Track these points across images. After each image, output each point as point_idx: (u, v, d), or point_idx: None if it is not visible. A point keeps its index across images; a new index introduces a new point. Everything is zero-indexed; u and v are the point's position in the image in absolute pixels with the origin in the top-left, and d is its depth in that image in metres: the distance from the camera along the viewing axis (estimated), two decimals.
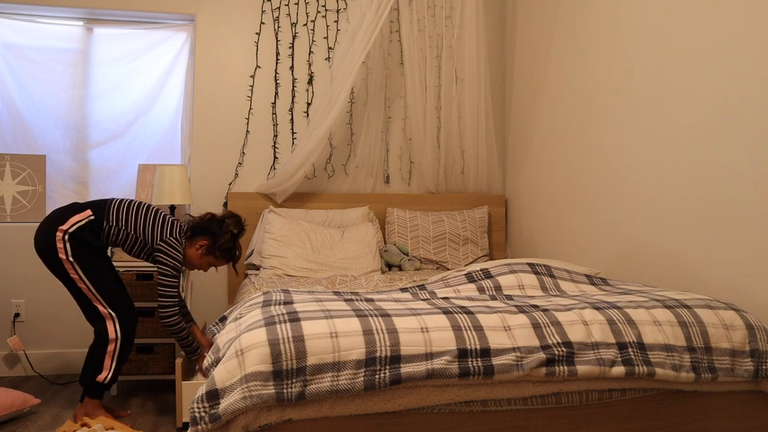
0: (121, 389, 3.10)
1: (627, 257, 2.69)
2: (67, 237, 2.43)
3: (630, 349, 1.70)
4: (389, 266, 3.37)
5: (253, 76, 3.58)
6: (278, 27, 3.60)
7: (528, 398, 1.65)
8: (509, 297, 2.00)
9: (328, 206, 3.57)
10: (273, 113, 3.61)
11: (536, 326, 1.69)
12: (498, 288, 2.07)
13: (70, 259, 2.44)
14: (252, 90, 3.58)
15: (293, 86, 3.62)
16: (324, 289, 2.29)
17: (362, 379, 1.50)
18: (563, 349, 1.64)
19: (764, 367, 1.81)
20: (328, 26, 3.65)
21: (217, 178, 3.56)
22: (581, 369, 1.63)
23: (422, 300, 1.90)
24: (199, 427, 1.45)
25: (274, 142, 3.61)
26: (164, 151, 3.62)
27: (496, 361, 1.58)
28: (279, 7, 3.59)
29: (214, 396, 1.47)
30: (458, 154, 3.74)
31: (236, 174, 3.57)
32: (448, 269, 3.38)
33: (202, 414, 1.46)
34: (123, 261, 3.05)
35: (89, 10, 3.46)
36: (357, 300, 1.83)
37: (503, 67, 3.91)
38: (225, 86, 3.56)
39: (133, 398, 2.98)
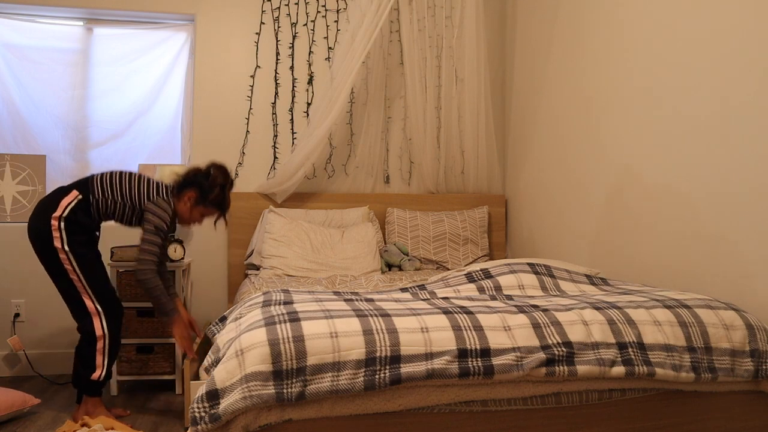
0: (121, 389, 3.10)
1: (627, 257, 2.68)
2: (62, 224, 2.43)
3: (630, 349, 1.70)
4: (389, 266, 3.37)
5: (253, 76, 3.58)
6: (278, 27, 3.60)
7: (528, 398, 1.65)
8: (509, 297, 2.00)
9: (328, 206, 3.57)
10: (273, 113, 3.61)
11: (536, 326, 1.69)
12: (498, 288, 2.07)
13: (65, 247, 2.44)
14: (252, 90, 3.58)
15: (293, 86, 3.63)
16: (324, 289, 2.29)
17: (362, 379, 1.50)
18: (563, 349, 1.64)
19: (764, 367, 1.81)
20: (328, 26, 3.65)
21: None
22: (581, 369, 1.63)
23: (422, 300, 1.90)
24: (199, 427, 1.45)
25: (274, 142, 3.61)
26: (164, 151, 3.62)
27: (496, 361, 1.58)
28: (279, 7, 3.59)
29: (214, 396, 1.47)
30: (458, 154, 3.74)
31: (236, 174, 3.57)
32: (448, 269, 3.38)
33: (202, 414, 1.46)
34: (123, 261, 3.05)
35: (89, 10, 3.46)
36: (357, 300, 1.83)
37: (503, 67, 3.91)
38: (225, 86, 3.56)
39: (133, 398, 2.98)
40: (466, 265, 3.27)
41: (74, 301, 2.52)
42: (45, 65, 3.50)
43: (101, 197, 2.53)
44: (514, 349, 1.61)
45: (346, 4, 3.64)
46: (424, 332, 1.59)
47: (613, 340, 1.70)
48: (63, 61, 3.53)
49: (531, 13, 3.57)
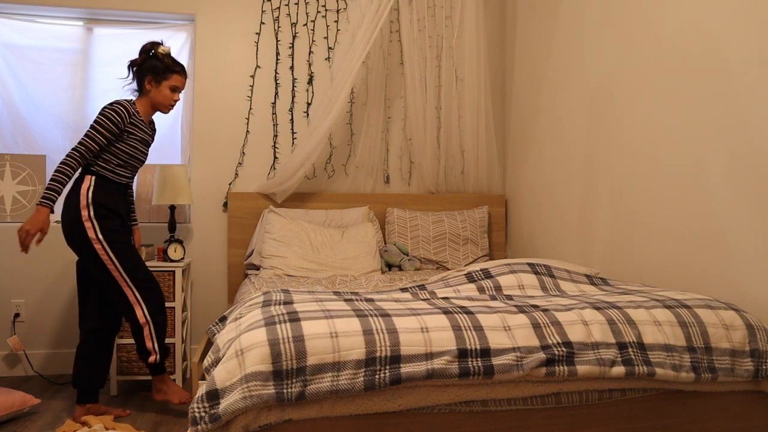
0: (121, 389, 3.10)
1: (627, 257, 2.69)
2: (91, 212, 2.49)
3: (630, 349, 1.70)
4: (389, 266, 3.37)
5: (253, 76, 3.58)
6: (278, 27, 3.60)
7: (528, 398, 1.64)
8: (509, 297, 2.00)
9: (328, 206, 3.58)
10: (273, 113, 3.61)
11: (536, 326, 1.69)
12: (498, 288, 2.07)
13: (99, 236, 2.49)
14: (252, 90, 3.58)
15: (293, 86, 3.63)
16: (324, 289, 2.29)
17: (362, 379, 1.50)
18: (563, 349, 1.64)
19: (764, 367, 1.81)
20: (328, 26, 3.65)
21: (217, 178, 3.56)
22: (581, 369, 1.63)
23: (422, 300, 1.90)
24: (199, 427, 1.45)
25: (274, 142, 3.61)
26: (164, 151, 3.62)
27: (496, 361, 1.58)
28: (279, 7, 3.59)
29: (214, 396, 1.47)
30: (458, 154, 3.74)
31: (236, 174, 3.57)
32: (448, 269, 3.38)
33: (202, 414, 1.46)
34: None
35: (89, 10, 3.46)
36: (357, 300, 1.83)
37: (503, 67, 3.91)
38: (225, 86, 3.56)
39: (133, 398, 2.98)
40: (466, 265, 3.27)
41: (116, 292, 2.57)
42: (45, 65, 3.50)
43: (98, 158, 2.57)
44: (514, 349, 1.61)
45: (346, 4, 3.64)
46: (424, 332, 1.59)
47: (613, 340, 1.70)
48: (63, 61, 3.53)
49: (531, 13, 3.57)
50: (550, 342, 1.65)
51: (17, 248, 3.33)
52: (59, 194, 2.45)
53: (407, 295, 2.01)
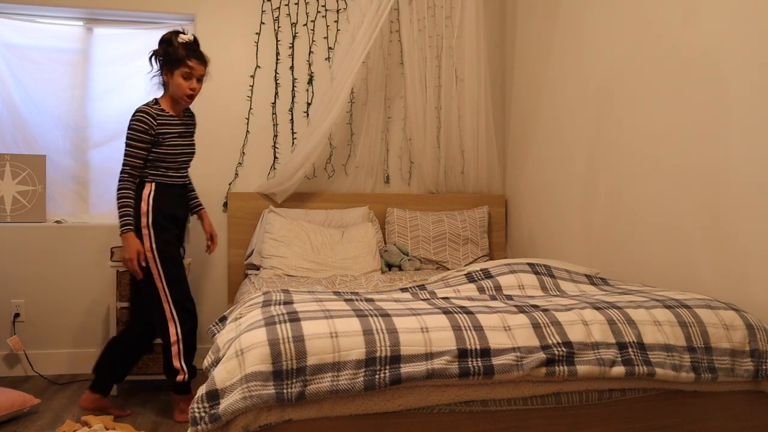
0: (121, 389, 3.10)
1: (627, 257, 2.68)
2: (150, 219, 2.52)
3: (630, 349, 1.70)
4: (389, 266, 3.37)
5: (253, 76, 3.58)
6: (278, 27, 3.60)
7: (528, 398, 1.64)
8: (509, 297, 2.00)
9: (328, 206, 3.57)
10: (273, 113, 3.61)
11: (536, 326, 1.69)
12: (498, 288, 2.07)
13: (153, 247, 2.53)
14: (252, 90, 3.58)
15: (293, 86, 3.62)
16: (324, 289, 2.29)
17: (362, 379, 1.50)
18: (563, 349, 1.64)
19: (764, 367, 1.81)
20: (328, 26, 3.65)
21: (217, 178, 3.56)
22: (581, 369, 1.63)
23: (422, 300, 1.90)
24: (199, 427, 1.45)
25: (274, 142, 3.61)
26: None
27: (496, 361, 1.58)
28: (279, 7, 3.59)
29: (214, 396, 1.47)
30: (458, 154, 3.74)
31: (236, 174, 3.57)
32: (448, 269, 3.38)
33: (202, 414, 1.46)
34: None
35: (89, 10, 3.46)
36: (357, 300, 1.83)
37: (503, 67, 3.91)
38: (225, 86, 3.56)
39: (133, 398, 2.98)
40: (466, 265, 3.27)
41: (155, 305, 2.59)
42: (45, 65, 3.50)
43: (151, 166, 2.59)
44: (514, 349, 1.61)
45: (346, 4, 3.64)
46: (424, 332, 1.59)
47: (613, 340, 1.70)
48: (63, 61, 3.53)
49: (531, 13, 3.57)
50: (550, 342, 1.65)
51: (17, 248, 3.33)
52: (131, 216, 2.52)
53: (407, 295, 2.01)
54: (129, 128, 2.54)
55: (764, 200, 2.01)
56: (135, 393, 3.06)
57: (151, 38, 3.62)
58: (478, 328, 1.64)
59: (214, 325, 2.02)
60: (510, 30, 3.84)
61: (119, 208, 2.50)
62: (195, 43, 2.65)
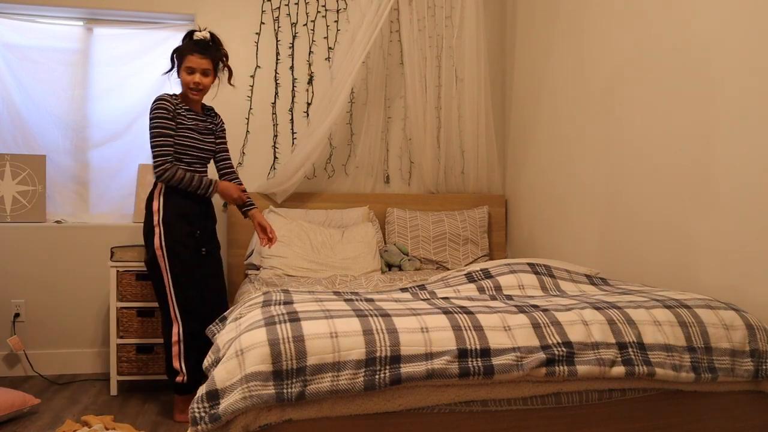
0: (121, 389, 3.10)
1: (627, 257, 2.68)
2: (161, 217, 2.54)
3: (630, 349, 1.70)
4: (389, 266, 3.37)
5: (253, 76, 3.58)
6: (278, 27, 3.60)
7: (528, 398, 1.64)
8: (509, 297, 2.00)
9: (328, 206, 3.57)
10: (273, 113, 3.60)
11: (536, 326, 1.69)
12: (498, 288, 2.07)
13: (162, 244, 2.53)
14: (252, 90, 3.58)
15: (293, 86, 3.63)
16: (324, 289, 2.29)
17: (362, 379, 1.50)
18: (563, 349, 1.64)
19: (764, 367, 1.81)
20: (328, 26, 3.65)
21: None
22: (581, 369, 1.63)
23: (422, 300, 1.90)
24: (199, 427, 1.45)
25: (274, 142, 3.61)
26: None
27: (496, 361, 1.58)
28: (279, 7, 3.59)
29: (214, 396, 1.47)
30: (458, 154, 3.74)
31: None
32: (448, 269, 3.38)
33: (202, 414, 1.46)
34: (123, 261, 3.04)
35: (89, 10, 3.46)
36: (357, 300, 1.83)
37: (503, 67, 3.91)
38: (225, 86, 3.55)
39: (133, 398, 2.98)
40: (466, 265, 3.27)
41: (162, 303, 2.60)
42: (45, 65, 3.50)
43: (166, 162, 2.58)
44: (514, 349, 1.61)
45: (346, 4, 3.64)
46: (424, 332, 1.59)
47: (613, 340, 1.70)
48: (63, 61, 3.53)
49: (531, 13, 3.57)
50: (550, 342, 1.65)
51: (17, 248, 3.33)
52: (202, 179, 2.61)
53: (407, 295, 2.01)
54: (151, 117, 2.54)
55: (765, 199, 2.01)
56: (135, 393, 3.06)
57: (151, 38, 3.62)
58: (478, 328, 1.64)
59: (214, 325, 2.02)
60: (510, 30, 3.84)
61: (186, 184, 2.54)
62: (207, 39, 2.66)
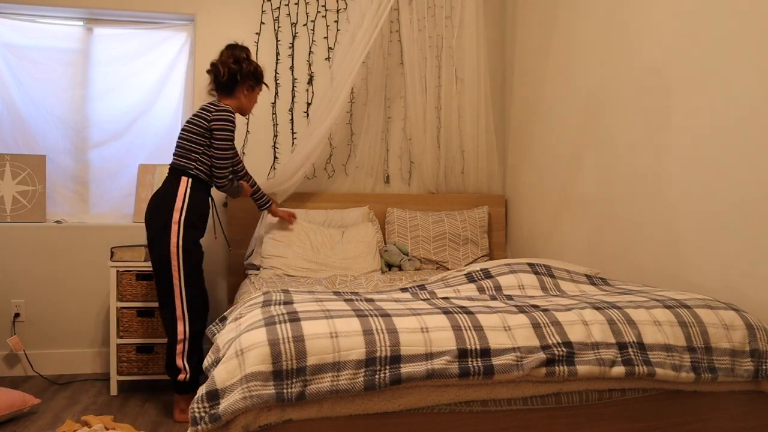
0: (121, 389, 3.10)
1: (627, 257, 2.69)
2: (183, 216, 2.55)
3: (630, 349, 1.70)
4: (389, 266, 3.37)
5: None
6: (278, 27, 3.60)
7: (528, 398, 1.65)
8: (509, 297, 2.00)
9: (328, 206, 3.57)
10: (273, 113, 3.60)
11: (536, 326, 1.69)
12: (498, 288, 2.07)
13: (180, 244, 2.54)
14: None
15: (293, 86, 3.62)
16: (324, 289, 2.30)
17: (362, 379, 1.50)
18: (563, 349, 1.64)
19: (764, 367, 1.81)
20: (328, 26, 3.65)
21: None
22: (581, 369, 1.63)
23: (422, 300, 1.90)
24: (199, 427, 1.45)
25: (274, 142, 3.61)
26: (164, 151, 3.62)
27: (496, 361, 1.58)
28: (279, 7, 3.59)
29: (214, 396, 1.47)
30: (458, 154, 3.74)
31: None
32: (448, 269, 3.38)
33: (202, 414, 1.46)
34: (123, 261, 3.05)
35: (89, 10, 3.46)
36: (357, 300, 1.83)
37: (503, 67, 3.91)
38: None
39: (133, 398, 2.98)
40: (466, 265, 3.27)
41: (167, 300, 2.59)
42: (45, 65, 3.50)
43: (196, 162, 2.64)
44: (514, 349, 1.61)
45: (346, 4, 3.64)
46: (424, 332, 1.59)
47: (613, 340, 1.70)
48: (63, 61, 3.53)
49: (531, 13, 3.57)
50: (550, 342, 1.65)
51: (17, 248, 3.33)
52: (258, 192, 3.01)
53: (407, 295, 2.01)
54: (226, 129, 2.63)
55: (764, 200, 2.01)
56: (135, 393, 3.06)
57: (151, 38, 3.62)
58: (478, 328, 1.64)
59: (214, 325, 2.02)
60: (510, 30, 3.84)
61: (254, 194, 2.89)
62: None
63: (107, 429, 2.42)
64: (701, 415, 1.79)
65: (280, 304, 1.72)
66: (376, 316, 1.63)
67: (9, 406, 2.60)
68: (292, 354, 1.48)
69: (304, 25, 3.62)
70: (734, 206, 2.13)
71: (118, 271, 3.04)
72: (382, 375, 1.51)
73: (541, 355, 1.61)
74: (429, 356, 1.55)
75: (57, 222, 3.43)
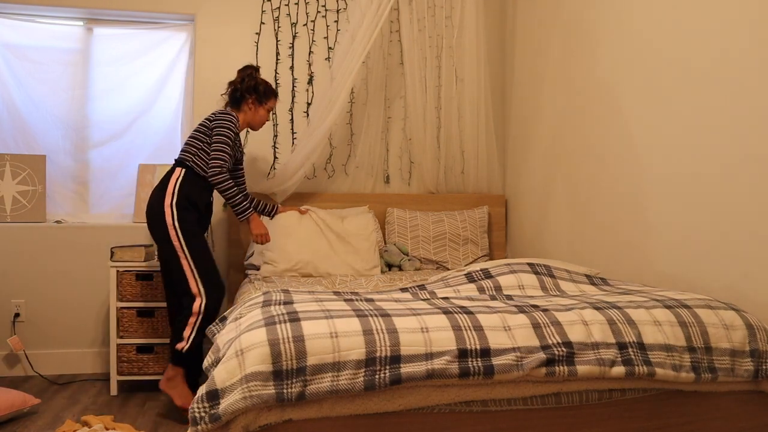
0: (121, 389, 3.10)
1: (627, 257, 2.69)
2: (174, 199, 2.65)
3: (630, 349, 1.70)
4: (389, 266, 3.37)
5: None
6: (278, 27, 3.60)
7: (528, 398, 1.65)
8: (509, 297, 2.00)
9: (328, 206, 3.57)
10: (273, 113, 3.60)
11: (536, 326, 1.69)
12: (498, 288, 2.07)
13: (175, 224, 2.62)
14: None
15: (293, 86, 3.62)
16: (324, 289, 2.30)
17: (362, 379, 1.50)
18: (563, 349, 1.64)
19: (764, 367, 1.81)
20: (328, 26, 3.65)
21: None
22: (581, 369, 1.63)
23: (422, 300, 1.90)
24: (199, 427, 1.45)
25: (274, 142, 3.61)
26: (164, 151, 3.62)
27: (496, 361, 1.58)
28: (279, 7, 3.59)
29: (214, 396, 1.47)
30: (458, 154, 3.74)
31: None
32: (448, 269, 3.38)
33: (202, 414, 1.46)
34: (123, 261, 3.05)
35: (89, 10, 3.46)
36: (357, 300, 1.83)
37: (503, 67, 3.91)
38: (225, 86, 3.55)
39: (133, 398, 2.98)
40: (466, 265, 3.27)
41: (182, 282, 2.64)
42: (45, 65, 3.50)
43: (195, 155, 2.74)
44: (514, 349, 1.61)
45: (346, 4, 3.64)
46: (424, 332, 1.59)
47: (613, 340, 1.70)
48: (63, 61, 3.53)
49: (531, 13, 3.57)
50: (550, 342, 1.65)
51: (17, 248, 3.33)
52: (246, 203, 2.76)
53: (407, 295, 2.01)
54: (224, 127, 2.74)
55: (764, 200, 2.01)
56: (135, 393, 3.06)
57: (151, 38, 3.62)
58: (478, 328, 1.64)
59: (214, 325, 2.02)
60: (510, 30, 3.84)
61: (231, 199, 2.70)
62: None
63: (107, 429, 2.42)
64: (701, 415, 1.79)
65: (280, 304, 1.72)
66: (376, 316, 1.63)
67: (9, 406, 2.60)
68: (292, 354, 1.49)
69: (304, 25, 3.62)
70: (734, 206, 2.13)
71: (118, 271, 3.04)
72: (382, 375, 1.51)
73: (541, 355, 1.61)
74: (429, 356, 1.55)
75: (57, 222, 3.43)
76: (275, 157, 3.61)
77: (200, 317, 2.61)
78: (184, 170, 2.73)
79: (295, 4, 3.61)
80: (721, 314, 1.85)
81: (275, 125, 3.61)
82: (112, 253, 3.07)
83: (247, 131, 3.57)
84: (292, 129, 3.63)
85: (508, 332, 1.65)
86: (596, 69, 2.91)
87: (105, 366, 3.40)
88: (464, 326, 1.63)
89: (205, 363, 1.69)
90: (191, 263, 2.63)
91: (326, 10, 3.64)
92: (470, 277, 2.15)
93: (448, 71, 3.69)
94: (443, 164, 3.73)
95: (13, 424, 2.60)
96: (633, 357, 1.69)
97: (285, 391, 1.46)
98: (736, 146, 2.12)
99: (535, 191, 3.50)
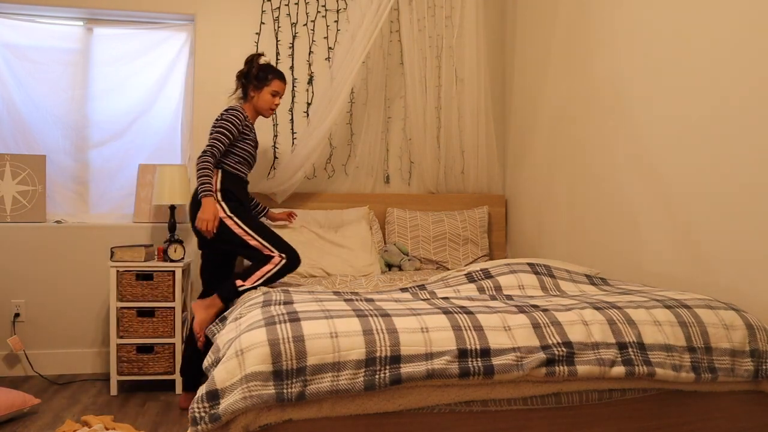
0: (121, 389, 3.10)
1: (626, 257, 2.69)
2: (219, 195, 2.72)
3: (630, 349, 1.70)
4: (389, 266, 3.37)
5: None
6: (278, 27, 3.60)
7: (528, 398, 1.65)
8: (509, 297, 2.00)
9: (328, 206, 3.57)
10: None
11: (536, 326, 1.69)
12: (498, 288, 2.07)
13: (229, 214, 2.68)
14: None
15: (293, 86, 3.62)
16: (324, 289, 2.30)
17: (362, 379, 1.50)
18: (563, 349, 1.64)
19: (764, 367, 1.81)
20: (328, 26, 3.65)
21: None
22: (581, 369, 1.63)
23: (422, 300, 1.90)
24: (199, 427, 1.45)
25: (274, 142, 3.61)
26: (164, 151, 3.62)
27: (496, 361, 1.58)
28: (279, 7, 3.59)
29: (214, 396, 1.47)
30: (458, 154, 3.74)
31: None
32: (448, 269, 3.38)
33: (202, 414, 1.46)
34: (123, 261, 3.05)
35: (89, 10, 3.46)
36: (357, 300, 1.83)
37: (503, 67, 3.91)
38: (225, 86, 3.55)
39: (133, 398, 2.98)
40: (466, 265, 3.27)
41: (259, 257, 2.66)
42: (45, 65, 3.50)
43: (224, 156, 2.80)
44: (514, 349, 1.61)
45: (346, 4, 3.64)
46: (424, 332, 1.59)
47: (613, 340, 1.70)
48: (63, 61, 3.53)
49: (531, 13, 3.57)
50: (550, 342, 1.65)
51: (17, 248, 3.33)
52: (211, 184, 2.67)
53: (407, 295, 2.01)
54: (222, 119, 2.77)
55: (765, 200, 2.01)
56: (135, 393, 3.06)
57: (151, 38, 3.63)
58: (478, 328, 1.64)
59: (214, 325, 2.02)
60: (510, 30, 3.84)
61: (201, 176, 2.65)
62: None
63: (107, 429, 2.42)
64: (701, 415, 1.79)
65: (280, 304, 1.72)
66: (376, 316, 1.63)
67: (9, 406, 2.60)
68: (292, 354, 1.49)
69: (304, 25, 3.62)
70: (734, 206, 2.13)
71: (118, 271, 3.04)
72: (382, 375, 1.51)
73: (541, 355, 1.61)
74: (429, 356, 1.55)
75: (57, 222, 3.43)
76: (275, 157, 3.61)
77: (274, 269, 2.64)
78: (221, 172, 2.80)
79: (295, 4, 3.61)
80: (721, 314, 1.85)
81: (275, 125, 3.61)
82: (112, 253, 3.07)
83: None
84: (292, 129, 3.63)
85: (508, 332, 1.65)
86: (596, 69, 2.91)
87: (105, 366, 3.40)
88: (464, 326, 1.63)
89: (205, 363, 1.69)
90: (261, 240, 2.67)
91: (326, 10, 3.64)
92: (470, 277, 2.15)
93: (448, 71, 3.69)
94: (443, 164, 3.73)
95: (13, 424, 2.61)
96: (633, 357, 1.69)
97: (285, 391, 1.46)
98: (736, 145, 2.12)
99: (535, 191, 3.50)
